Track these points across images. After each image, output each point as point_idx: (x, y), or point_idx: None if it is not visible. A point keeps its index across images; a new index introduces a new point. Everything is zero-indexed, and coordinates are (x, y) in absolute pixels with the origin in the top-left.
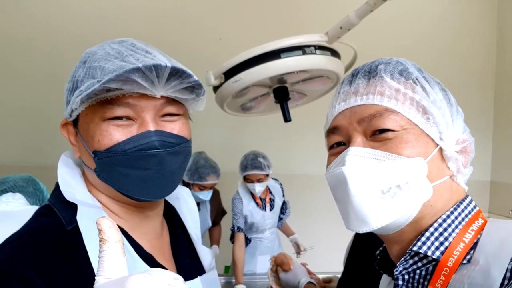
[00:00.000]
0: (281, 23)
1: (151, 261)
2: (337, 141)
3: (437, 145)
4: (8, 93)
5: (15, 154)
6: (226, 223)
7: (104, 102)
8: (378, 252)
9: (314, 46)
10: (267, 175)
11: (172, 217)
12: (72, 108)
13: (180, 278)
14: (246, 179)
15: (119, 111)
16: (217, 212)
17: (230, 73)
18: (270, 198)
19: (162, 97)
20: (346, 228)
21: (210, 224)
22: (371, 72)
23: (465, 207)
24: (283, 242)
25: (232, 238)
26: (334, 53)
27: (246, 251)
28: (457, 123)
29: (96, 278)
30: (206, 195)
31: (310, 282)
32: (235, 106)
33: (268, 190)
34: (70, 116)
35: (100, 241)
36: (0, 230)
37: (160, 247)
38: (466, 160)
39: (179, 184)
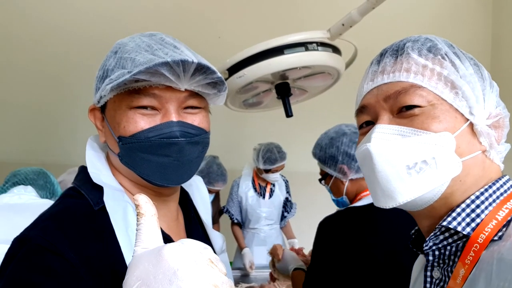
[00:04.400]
0: (280, 21)
1: (169, 242)
2: (366, 120)
3: (467, 119)
4: (10, 92)
5: (17, 152)
6: (224, 221)
7: (131, 91)
8: (413, 231)
9: (316, 42)
10: None
11: (186, 203)
12: (101, 95)
13: (209, 248)
14: (272, 171)
15: (145, 100)
16: (216, 211)
17: (234, 69)
18: (270, 188)
19: (186, 90)
20: (375, 205)
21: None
22: (398, 51)
23: (502, 185)
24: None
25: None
26: (336, 50)
27: None
28: (489, 97)
29: (134, 248)
30: (209, 198)
31: (297, 268)
32: (238, 101)
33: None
34: (99, 102)
35: (137, 215)
36: (17, 221)
37: (177, 230)
38: (499, 135)
39: (196, 173)
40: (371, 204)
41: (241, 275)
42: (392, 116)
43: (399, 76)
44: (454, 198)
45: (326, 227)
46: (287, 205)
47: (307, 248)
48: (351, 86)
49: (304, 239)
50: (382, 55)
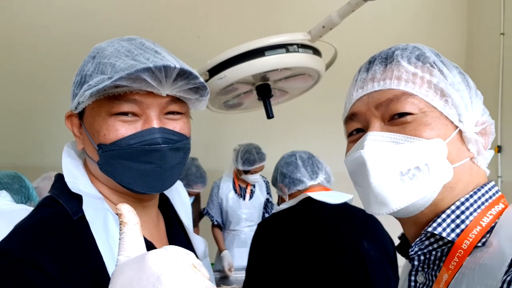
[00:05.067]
0: (260, 22)
1: (152, 248)
2: (356, 128)
3: (456, 127)
4: None
5: None
6: (204, 224)
7: (111, 97)
8: (399, 236)
9: (297, 44)
10: None
11: (166, 207)
12: (79, 101)
13: (192, 254)
14: (250, 172)
15: (126, 107)
16: (197, 214)
17: (215, 70)
18: (251, 190)
19: (167, 95)
20: (367, 212)
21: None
22: (387, 58)
23: (486, 192)
24: None
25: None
26: (316, 52)
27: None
28: (476, 105)
29: (117, 257)
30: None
31: None
32: (219, 103)
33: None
34: (76, 108)
35: (120, 224)
36: None
37: (158, 236)
38: (486, 142)
39: (178, 179)
40: (299, 204)
41: (220, 277)
42: (384, 124)
43: (390, 83)
44: (443, 204)
45: (260, 231)
46: (268, 206)
47: None
48: (332, 87)
49: None
50: (370, 62)
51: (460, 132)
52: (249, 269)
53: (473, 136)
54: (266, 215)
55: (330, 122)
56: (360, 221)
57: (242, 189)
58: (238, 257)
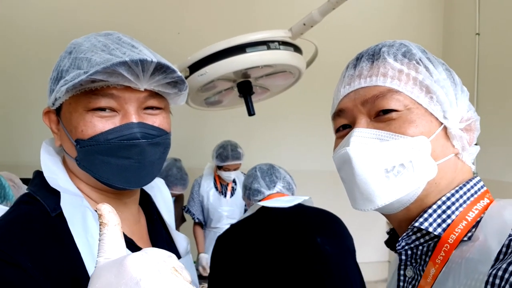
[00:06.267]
0: (240, 19)
1: (132, 246)
2: (343, 124)
3: (441, 123)
4: None
5: None
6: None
7: (88, 92)
8: (388, 230)
9: (278, 41)
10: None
11: (148, 205)
12: (56, 97)
13: (173, 256)
14: (224, 168)
15: (103, 101)
16: (177, 216)
17: (195, 67)
18: (232, 187)
19: (145, 90)
20: (353, 208)
21: None
22: (374, 55)
23: (472, 187)
24: None
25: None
26: (297, 49)
27: (205, 243)
28: (461, 102)
29: (97, 259)
30: None
31: None
32: (199, 100)
33: (232, 179)
34: (53, 104)
35: (100, 224)
36: None
37: (139, 233)
38: (471, 138)
39: (158, 174)
40: (256, 213)
41: (199, 275)
42: (370, 120)
43: (376, 80)
44: (428, 200)
45: (219, 245)
46: None
47: None
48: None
49: None
50: (358, 59)
51: (445, 128)
52: (211, 281)
53: (457, 132)
54: None
55: (312, 119)
56: (314, 219)
57: (223, 187)
58: None
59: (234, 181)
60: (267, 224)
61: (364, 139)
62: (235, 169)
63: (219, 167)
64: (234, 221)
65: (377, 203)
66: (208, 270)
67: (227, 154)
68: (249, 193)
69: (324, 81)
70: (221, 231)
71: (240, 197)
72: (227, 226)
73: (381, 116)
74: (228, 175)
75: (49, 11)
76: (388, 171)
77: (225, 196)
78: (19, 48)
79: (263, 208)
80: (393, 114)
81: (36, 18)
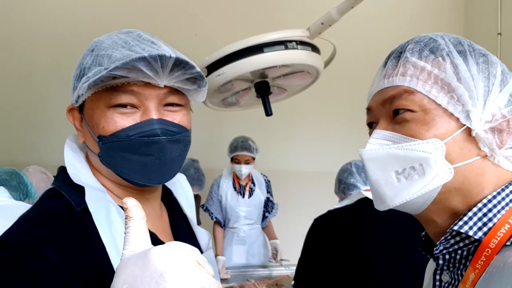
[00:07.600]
0: (257, 20)
1: (155, 240)
2: (370, 121)
3: (463, 125)
4: None
5: None
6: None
7: (109, 89)
8: (423, 234)
9: (296, 41)
10: (254, 158)
11: (169, 200)
12: (79, 94)
13: (196, 249)
14: (234, 160)
15: (124, 98)
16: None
17: (213, 67)
18: (250, 187)
19: (165, 86)
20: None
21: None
22: (400, 53)
23: None
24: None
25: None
26: (315, 49)
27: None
28: (495, 98)
29: (122, 251)
30: None
31: None
32: (217, 100)
33: (250, 180)
34: (77, 101)
35: (126, 218)
36: None
37: (161, 227)
38: (504, 139)
39: (178, 171)
40: (356, 203)
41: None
42: (390, 121)
43: (396, 80)
44: (452, 203)
45: (315, 226)
46: (268, 205)
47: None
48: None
49: (284, 239)
50: (388, 57)
51: (469, 129)
52: (301, 263)
53: (482, 134)
54: (267, 214)
55: (331, 120)
56: (412, 220)
57: (241, 187)
58: (236, 255)
59: (252, 182)
60: (369, 217)
61: (380, 141)
62: (246, 162)
63: (232, 161)
64: (252, 222)
65: (389, 204)
66: (224, 271)
67: (236, 144)
68: (344, 187)
69: (343, 81)
70: (239, 232)
71: (258, 198)
72: (245, 227)
73: (397, 116)
74: (239, 168)
75: (63, 13)
76: (399, 173)
77: (243, 196)
78: (37, 50)
79: (363, 199)
80: (407, 116)
81: (51, 21)
